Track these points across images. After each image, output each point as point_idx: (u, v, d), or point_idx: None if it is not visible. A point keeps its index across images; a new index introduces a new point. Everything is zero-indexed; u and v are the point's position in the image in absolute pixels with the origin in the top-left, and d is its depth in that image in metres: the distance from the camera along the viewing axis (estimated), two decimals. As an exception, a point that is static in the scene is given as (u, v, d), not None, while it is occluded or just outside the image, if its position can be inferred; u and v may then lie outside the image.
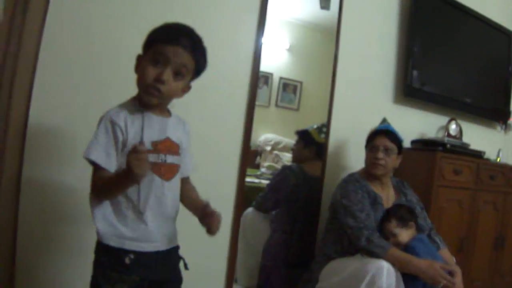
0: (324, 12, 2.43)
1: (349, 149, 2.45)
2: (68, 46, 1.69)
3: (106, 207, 1.13)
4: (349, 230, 1.83)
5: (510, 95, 3.35)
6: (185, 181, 1.30)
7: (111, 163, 1.10)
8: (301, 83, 2.46)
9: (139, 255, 1.14)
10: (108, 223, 1.12)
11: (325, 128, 2.35)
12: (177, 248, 1.29)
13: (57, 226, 1.68)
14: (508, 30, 3.35)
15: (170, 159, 1.18)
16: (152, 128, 1.16)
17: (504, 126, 3.42)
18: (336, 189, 2.00)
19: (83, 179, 1.16)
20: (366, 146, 2.08)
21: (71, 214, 1.68)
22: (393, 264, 1.69)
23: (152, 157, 1.12)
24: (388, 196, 2.04)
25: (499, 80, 3.32)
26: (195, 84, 1.98)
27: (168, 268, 1.23)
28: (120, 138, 1.11)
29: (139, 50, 1.18)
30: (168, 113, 1.25)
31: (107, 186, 1.10)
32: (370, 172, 2.01)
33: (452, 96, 2.95)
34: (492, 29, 3.22)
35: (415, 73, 2.67)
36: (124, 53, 1.59)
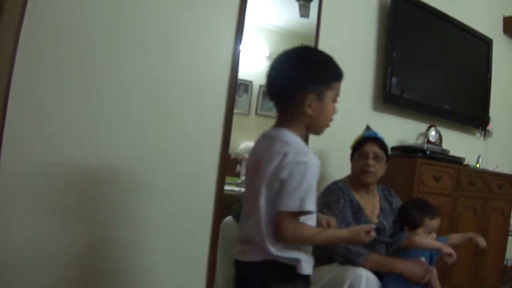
0: (303, 19, 2.44)
1: (329, 156, 2.44)
2: (47, 51, 1.63)
3: None
4: (328, 241, 1.82)
5: (489, 101, 3.40)
6: None
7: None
8: (281, 90, 2.46)
9: None
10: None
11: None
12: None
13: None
14: (487, 38, 3.40)
15: None
16: None
17: (483, 132, 3.46)
18: (319, 198, 1.98)
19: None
20: (353, 154, 2.03)
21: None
22: (378, 269, 1.69)
23: None
24: (373, 204, 2.02)
25: (479, 87, 3.37)
26: (172, 91, 1.97)
27: None
28: None
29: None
30: None
31: (327, 241, 1.31)
32: (359, 180, 1.97)
33: (431, 103, 2.98)
34: (471, 36, 3.27)
35: (394, 80, 2.69)
36: (105, 63, 1.61)
